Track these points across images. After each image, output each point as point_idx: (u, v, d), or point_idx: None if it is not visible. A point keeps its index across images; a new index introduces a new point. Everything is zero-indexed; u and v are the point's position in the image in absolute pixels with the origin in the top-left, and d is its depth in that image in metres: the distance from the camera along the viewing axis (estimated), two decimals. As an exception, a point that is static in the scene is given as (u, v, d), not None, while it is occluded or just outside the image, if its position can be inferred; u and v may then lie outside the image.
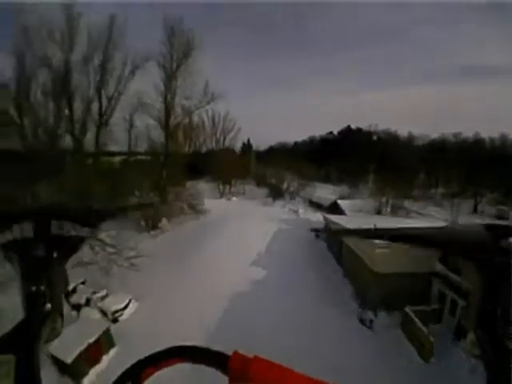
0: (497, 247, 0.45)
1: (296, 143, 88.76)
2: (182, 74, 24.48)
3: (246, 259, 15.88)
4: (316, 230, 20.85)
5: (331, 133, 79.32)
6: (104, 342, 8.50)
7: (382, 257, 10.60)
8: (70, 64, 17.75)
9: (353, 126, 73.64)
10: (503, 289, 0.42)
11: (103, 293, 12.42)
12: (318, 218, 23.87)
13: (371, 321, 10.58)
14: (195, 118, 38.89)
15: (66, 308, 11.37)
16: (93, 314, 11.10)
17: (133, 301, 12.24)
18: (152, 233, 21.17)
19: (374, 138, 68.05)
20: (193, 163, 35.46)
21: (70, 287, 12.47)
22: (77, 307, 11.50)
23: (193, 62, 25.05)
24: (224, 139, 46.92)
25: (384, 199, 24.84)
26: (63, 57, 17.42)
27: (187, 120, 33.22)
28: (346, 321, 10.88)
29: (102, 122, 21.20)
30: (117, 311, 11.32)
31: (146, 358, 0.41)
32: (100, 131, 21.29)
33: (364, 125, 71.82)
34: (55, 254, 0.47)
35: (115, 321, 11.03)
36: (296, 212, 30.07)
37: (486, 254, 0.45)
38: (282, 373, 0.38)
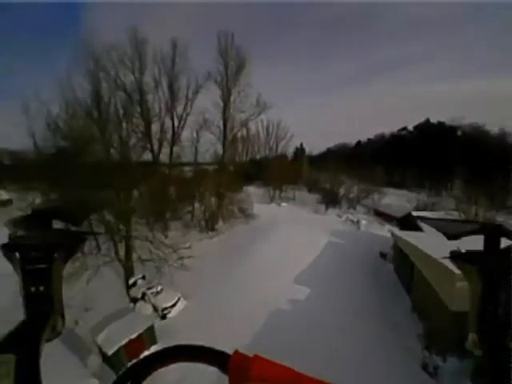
0: (497, 248, 0.45)
1: (359, 143, 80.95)
2: (236, 88, 25.93)
3: (289, 273, 14.88)
4: (383, 254, 17.25)
5: (404, 128, 68.63)
6: (146, 339, 9.18)
7: (462, 292, 7.99)
8: (142, 87, 21.14)
9: (432, 120, 61.64)
10: (503, 290, 0.43)
11: (157, 289, 13.66)
12: (385, 232, 19.79)
13: (436, 367, 8.22)
14: (252, 128, 40.99)
15: (126, 301, 13.08)
16: (146, 308, 12.32)
17: (181, 299, 13.04)
18: (210, 233, 22.71)
19: (459, 133, 54.92)
20: (248, 170, 36.75)
21: (131, 281, 14.39)
22: (134, 300, 13.06)
23: (246, 75, 26.26)
24: (277, 146, 48.38)
25: (473, 210, 19.33)
26: (136, 80, 20.99)
27: (243, 131, 35.04)
28: (404, 364, 8.65)
29: (175, 140, 24.29)
30: (166, 308, 12.22)
31: (146, 357, 0.41)
32: (173, 147, 24.38)
33: (445, 118, 59.04)
34: (56, 255, 0.46)
35: (164, 317, 11.94)
36: (356, 223, 25.96)
37: (487, 255, 0.45)
38: (283, 372, 0.38)
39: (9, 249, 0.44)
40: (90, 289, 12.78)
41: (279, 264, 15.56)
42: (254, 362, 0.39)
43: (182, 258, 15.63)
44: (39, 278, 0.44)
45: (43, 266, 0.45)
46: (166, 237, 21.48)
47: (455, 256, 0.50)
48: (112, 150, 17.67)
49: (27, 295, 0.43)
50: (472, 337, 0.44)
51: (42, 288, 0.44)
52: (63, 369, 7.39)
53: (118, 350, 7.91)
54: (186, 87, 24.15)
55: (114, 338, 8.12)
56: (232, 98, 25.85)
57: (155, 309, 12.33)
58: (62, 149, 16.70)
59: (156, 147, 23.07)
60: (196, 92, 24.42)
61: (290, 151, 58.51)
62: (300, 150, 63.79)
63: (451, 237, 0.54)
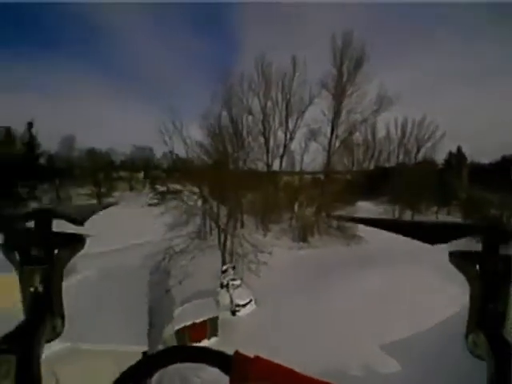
0: (497, 248, 0.44)
1: None
2: (351, 89, 23.57)
3: (381, 336, 10.65)
4: None
5: None
6: (209, 328, 10.44)
7: None
8: (266, 109, 24.03)
9: None
10: (503, 288, 0.43)
11: (238, 282, 15.01)
12: None
13: None
14: (381, 130, 34.44)
15: (217, 283, 15.20)
16: (225, 298, 13.96)
17: (252, 302, 13.70)
18: (301, 244, 22.21)
19: None
20: (369, 181, 31.49)
21: (224, 267, 16.75)
22: (222, 286, 15.10)
23: (364, 73, 23.47)
24: (418, 151, 35.46)
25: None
26: (260, 104, 24.15)
27: (367, 134, 30.58)
28: None
29: (286, 151, 25.89)
30: (238, 305, 13.26)
31: (147, 357, 0.42)
32: (283, 157, 26.11)
33: None
34: (56, 255, 0.48)
35: (234, 313, 13.04)
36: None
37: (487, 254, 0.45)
38: (284, 373, 0.39)
39: (9, 248, 0.45)
40: (191, 264, 15.90)
41: (373, 315, 11.86)
42: (255, 362, 0.40)
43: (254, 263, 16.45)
44: (39, 278, 0.45)
45: (43, 266, 0.45)
46: (265, 236, 23.20)
47: (455, 255, 0.48)
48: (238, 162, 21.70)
49: (27, 295, 0.44)
50: (472, 337, 0.43)
51: (41, 288, 0.44)
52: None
53: (183, 329, 9.48)
54: (299, 100, 24.83)
55: (183, 317, 9.87)
56: (346, 101, 23.81)
57: (231, 301, 13.60)
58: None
59: (270, 159, 25.63)
60: (309, 103, 24.67)
61: (441, 157, 43.19)
62: (457, 156, 45.24)
63: (434, 240, 0.45)
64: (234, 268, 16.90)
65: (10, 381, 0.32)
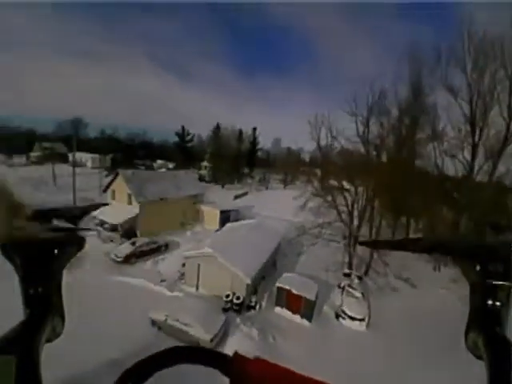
0: (497, 248, 0.45)
1: None
2: None
3: None
4: None
5: None
6: (303, 306, 11.15)
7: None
8: (478, 89, 16.84)
9: None
10: (503, 289, 0.42)
11: (358, 294, 13.53)
12: None
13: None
14: None
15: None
16: (337, 298, 13.28)
17: (365, 322, 12.09)
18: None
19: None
20: None
21: (347, 271, 15.86)
22: (339, 287, 14.51)
23: None
24: None
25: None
26: (467, 80, 17.18)
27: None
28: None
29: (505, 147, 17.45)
30: (345, 313, 12.22)
31: (147, 358, 0.42)
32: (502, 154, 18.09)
33: None
34: (56, 255, 0.47)
35: (337, 317, 12.24)
36: None
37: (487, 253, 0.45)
38: (283, 374, 0.40)
39: (9, 249, 0.44)
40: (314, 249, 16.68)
41: None
42: (255, 363, 0.40)
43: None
44: (39, 279, 0.45)
45: (43, 266, 0.45)
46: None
47: (455, 255, 0.48)
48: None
49: (27, 296, 0.43)
50: (472, 337, 0.42)
51: (41, 288, 0.44)
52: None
53: (283, 289, 11.33)
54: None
55: (286, 280, 11.69)
56: None
57: (340, 305, 12.88)
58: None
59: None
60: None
61: None
62: None
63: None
64: (360, 279, 15.48)
65: (10, 381, 0.31)
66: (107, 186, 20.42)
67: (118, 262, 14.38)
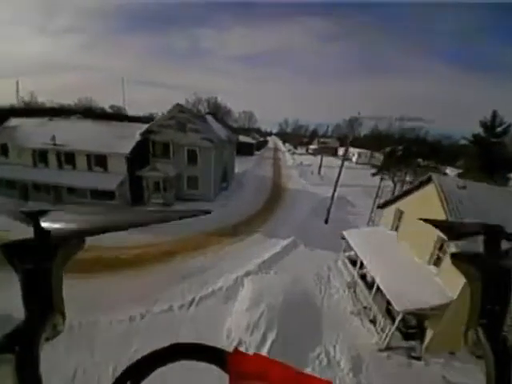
0: (497, 248, 0.44)
1: None
2: None
3: None
4: None
5: None
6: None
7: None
8: None
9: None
10: (503, 287, 0.42)
11: None
12: None
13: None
14: None
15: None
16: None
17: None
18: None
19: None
20: None
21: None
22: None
23: None
24: None
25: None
26: None
27: None
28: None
29: None
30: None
31: (146, 355, 0.41)
32: None
33: None
34: (56, 253, 0.44)
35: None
36: None
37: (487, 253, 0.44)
38: (283, 371, 0.38)
39: (8, 247, 0.41)
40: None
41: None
42: (254, 360, 0.39)
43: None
44: (39, 277, 0.41)
45: (43, 265, 0.42)
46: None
47: (456, 256, 0.47)
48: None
49: (27, 295, 0.41)
50: (472, 337, 0.41)
51: (41, 287, 0.41)
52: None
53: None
54: None
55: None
56: None
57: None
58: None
59: None
60: None
61: None
62: None
63: (452, 237, 0.52)
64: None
65: (10, 381, 0.30)
66: (387, 202, 11.21)
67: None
